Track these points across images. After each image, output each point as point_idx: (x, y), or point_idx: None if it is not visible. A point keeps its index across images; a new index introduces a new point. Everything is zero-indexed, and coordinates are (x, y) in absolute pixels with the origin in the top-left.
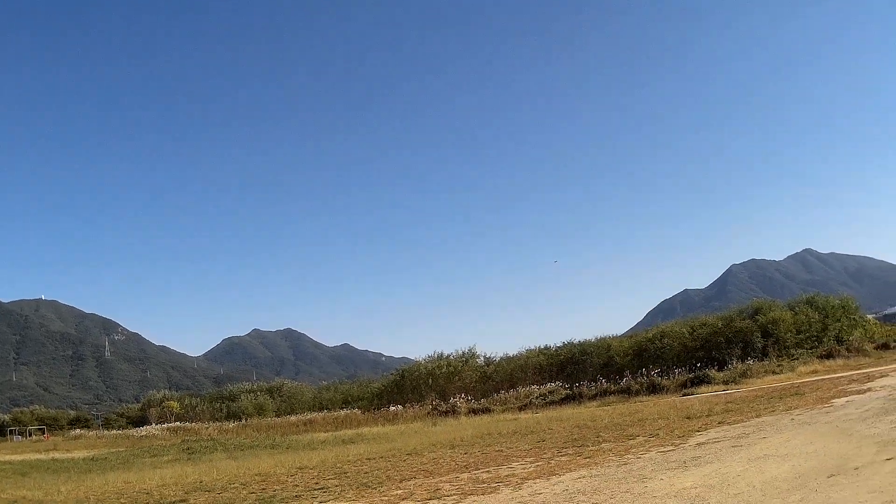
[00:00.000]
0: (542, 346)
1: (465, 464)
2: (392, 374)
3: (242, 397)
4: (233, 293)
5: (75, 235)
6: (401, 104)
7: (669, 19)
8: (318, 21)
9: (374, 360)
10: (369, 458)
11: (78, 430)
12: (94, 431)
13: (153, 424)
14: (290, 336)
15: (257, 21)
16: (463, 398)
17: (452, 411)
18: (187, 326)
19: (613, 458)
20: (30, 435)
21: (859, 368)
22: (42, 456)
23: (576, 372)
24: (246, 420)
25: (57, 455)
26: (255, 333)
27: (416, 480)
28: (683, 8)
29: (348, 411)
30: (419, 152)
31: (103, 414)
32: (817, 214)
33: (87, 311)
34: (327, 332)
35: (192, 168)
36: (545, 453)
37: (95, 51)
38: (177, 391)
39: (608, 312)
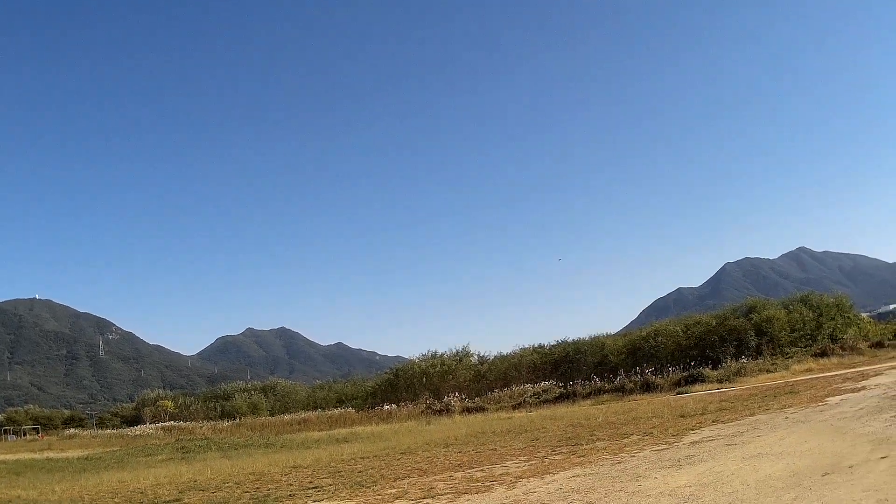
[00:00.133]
0: (536, 345)
1: (459, 462)
2: (386, 372)
3: (237, 396)
4: (227, 292)
5: (70, 235)
6: (395, 103)
7: (663, 20)
8: (316, 21)
9: (367, 359)
10: (363, 457)
11: (72, 430)
12: (89, 431)
13: (147, 424)
14: (284, 335)
15: (255, 21)
16: (457, 397)
17: (446, 410)
18: (181, 325)
19: (607, 456)
20: (24, 434)
21: (853, 367)
22: (36, 455)
23: (570, 370)
24: (240, 419)
25: (51, 454)
26: (249, 332)
27: (410, 479)
28: (678, 8)
29: (342, 410)
30: (414, 152)
31: (97, 413)
32: (811, 213)
33: (81, 310)
34: (321, 330)
35: (186, 168)
36: (539, 452)
37: (88, 49)
38: (171, 390)
39: (602, 311)
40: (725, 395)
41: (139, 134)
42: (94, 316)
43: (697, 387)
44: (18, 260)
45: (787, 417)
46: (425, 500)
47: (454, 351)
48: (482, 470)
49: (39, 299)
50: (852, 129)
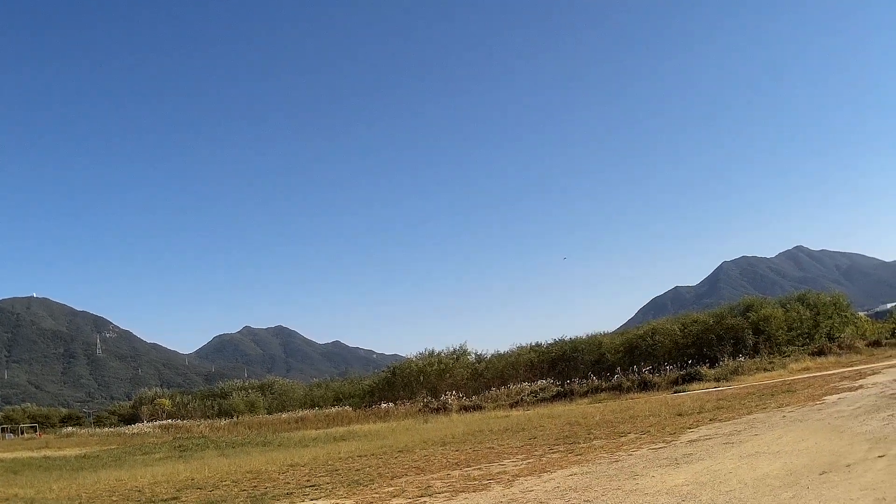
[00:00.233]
0: (534, 344)
1: (456, 461)
2: (383, 371)
3: (234, 395)
4: (224, 291)
5: (67, 233)
6: (392, 102)
7: (661, 18)
8: (314, 20)
9: (365, 358)
10: (360, 456)
11: (69, 428)
12: (86, 429)
13: (145, 422)
14: (282, 333)
15: (252, 20)
16: (454, 395)
17: (444, 408)
18: (179, 324)
19: (605, 455)
20: (22, 433)
21: (851, 366)
22: (34, 454)
23: (567, 369)
24: (237, 417)
25: (49, 453)
26: (247, 331)
27: (408, 478)
28: (676, 6)
29: (339, 409)
30: (411, 151)
31: (95, 412)
32: (809, 212)
33: (78, 308)
34: (318, 329)
35: (184, 167)
36: (536, 450)
37: (85, 48)
38: (168, 389)
39: (599, 309)
40: (723, 394)
41: (137, 133)
42: (92, 314)
43: (695, 385)
44: (16, 258)
45: (784, 416)
46: (422, 499)
47: (451, 349)
48: (479, 468)
49: (36, 297)
50: (850, 128)
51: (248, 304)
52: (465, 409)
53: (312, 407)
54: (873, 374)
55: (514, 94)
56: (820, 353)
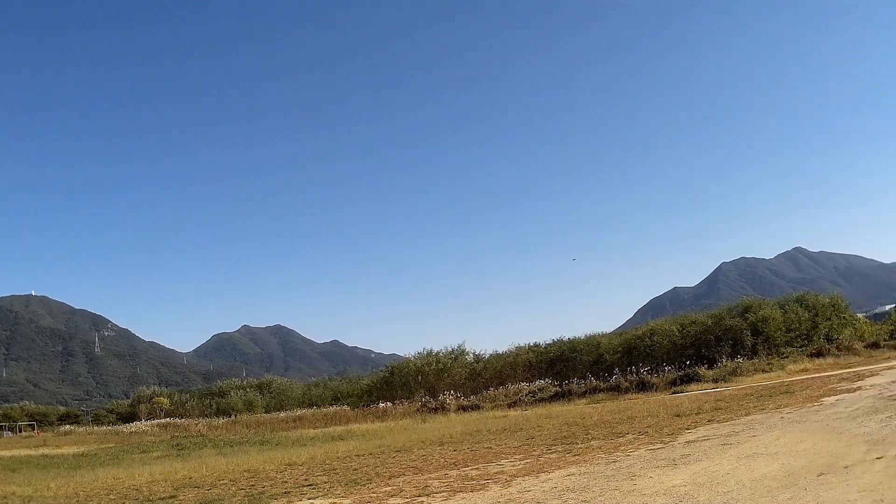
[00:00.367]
0: (532, 344)
1: (454, 461)
2: (381, 370)
3: (232, 393)
4: (222, 289)
5: (66, 231)
6: (391, 102)
7: (661, 18)
8: (311, 19)
9: (363, 357)
10: (358, 455)
11: (67, 426)
12: (84, 427)
13: (143, 420)
14: (280, 332)
15: (250, 19)
16: (452, 395)
17: (442, 408)
18: (177, 322)
19: (602, 455)
20: (20, 431)
21: (849, 367)
22: (32, 452)
23: (565, 369)
24: (235, 416)
25: (46, 451)
26: (245, 330)
27: (405, 477)
28: (675, 6)
29: (337, 408)
30: (410, 150)
31: (93, 410)
32: (808, 213)
33: (77, 306)
34: (317, 328)
35: (183, 166)
36: (534, 451)
37: (82, 47)
38: (166, 387)
39: (598, 310)
40: (721, 395)
41: (136, 132)
42: (90, 312)
43: (693, 386)
44: (15, 256)
45: (782, 417)
46: (420, 499)
47: (450, 349)
48: (477, 468)
49: (35, 296)
50: (849, 129)
51: (246, 303)
52: (463, 408)
53: (310, 406)
54: (871, 375)
55: (512, 94)
56: (818, 354)
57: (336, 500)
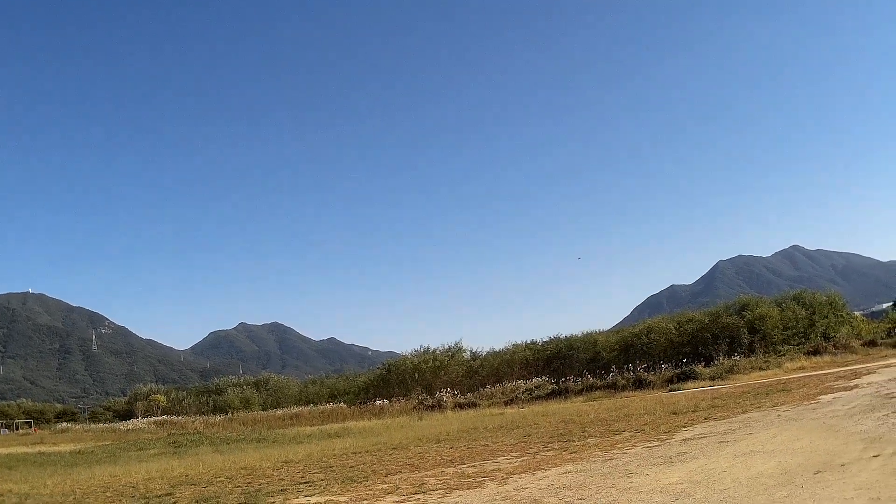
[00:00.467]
0: (529, 341)
1: (450, 458)
2: (378, 368)
3: (229, 391)
4: (219, 287)
5: (63, 229)
6: (388, 100)
7: (659, 18)
8: (309, 18)
9: (360, 354)
10: (355, 453)
11: (64, 424)
12: (81, 425)
13: (139, 418)
14: (277, 330)
15: (245, 16)
16: (449, 392)
17: (438, 406)
18: (174, 320)
19: (599, 453)
20: (17, 428)
21: (846, 365)
22: (28, 449)
23: (562, 367)
24: (232, 414)
25: (43, 448)
26: (242, 327)
27: (402, 475)
28: (673, 6)
29: (334, 405)
30: (407, 149)
31: (90, 407)
32: (805, 211)
33: (74, 304)
34: (314, 326)
35: (180, 163)
36: (531, 448)
37: (79, 44)
38: (163, 385)
39: (595, 307)
40: (718, 393)
41: (134, 130)
42: (87, 310)
43: (690, 384)
44: (11, 254)
45: (779, 415)
46: (416, 496)
47: (446, 346)
48: (474, 466)
49: (32, 293)
50: (847, 128)
51: (243, 301)
52: (460, 406)
53: (307, 403)
54: (868, 373)
55: (509, 94)
56: (815, 352)
57: (333, 498)
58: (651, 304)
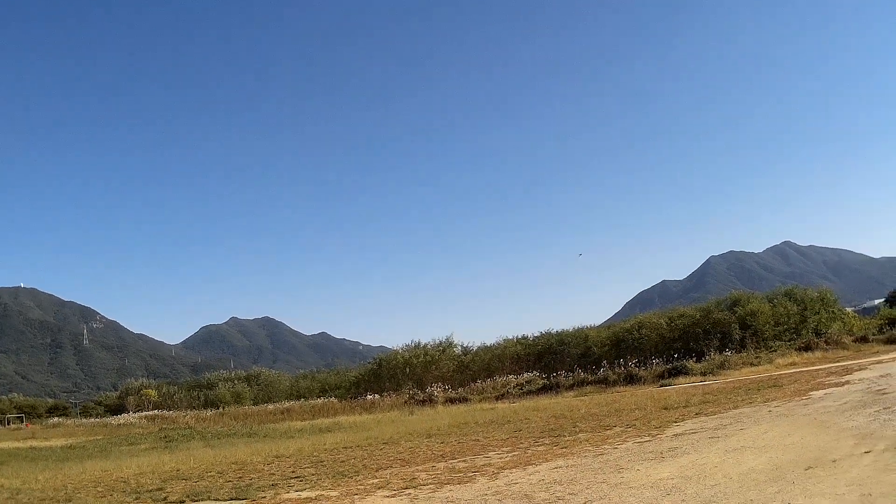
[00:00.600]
0: (520, 336)
1: (441, 453)
2: (369, 362)
3: (220, 386)
4: (211, 282)
5: (55, 223)
6: (379, 96)
7: (652, 14)
8: (305, 14)
9: (351, 349)
10: (346, 447)
11: (56, 419)
12: (72, 419)
13: (131, 413)
14: (268, 324)
15: (241, 14)
16: (440, 387)
17: (429, 400)
18: (166, 314)
19: (590, 448)
20: (8, 423)
21: (838, 361)
22: (20, 444)
23: (553, 362)
24: (223, 408)
25: (35, 443)
26: (233, 322)
27: (393, 469)
28: (665, 2)
29: (325, 400)
30: (397, 144)
31: (81, 402)
32: (797, 207)
33: (65, 298)
34: (305, 320)
35: (171, 158)
36: (522, 443)
37: (71, 40)
38: (155, 379)
39: (586, 303)
40: (709, 388)
41: (124, 125)
42: (79, 304)
43: (681, 379)
44: (3, 248)
45: (770, 411)
46: (407, 491)
47: (438, 341)
48: (465, 460)
49: (24, 287)
50: (839, 124)
51: (234, 295)
52: (451, 401)
53: (298, 398)
54: (860, 369)
55: (501, 89)
56: (807, 348)
57: (323, 493)
58: (642, 300)
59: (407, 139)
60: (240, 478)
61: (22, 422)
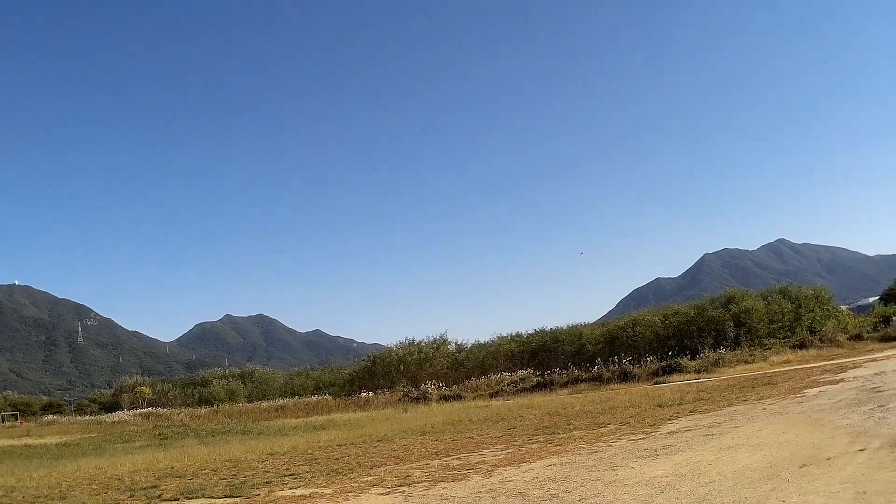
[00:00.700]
0: (514, 334)
1: (435, 450)
2: (363, 360)
3: (214, 383)
4: (205, 279)
5: (49, 221)
6: (373, 94)
7: (646, 10)
8: (302, 11)
9: (345, 347)
10: (340, 445)
11: (51, 416)
12: (67, 417)
13: (125, 410)
14: (262, 322)
15: (240, 12)
16: (434, 385)
17: (423, 398)
18: (160, 312)
19: (584, 445)
20: (3, 421)
21: (832, 359)
22: (15, 442)
23: (547, 359)
24: (217, 406)
25: (29, 441)
26: (227, 319)
27: (387, 467)
28: (658, 2)
29: (319, 397)
30: (392, 142)
31: (76, 400)
32: (791, 205)
33: (60, 296)
34: (299, 318)
35: (165, 157)
36: (516, 440)
37: (66, 38)
38: (149, 377)
39: (580, 300)
40: (703, 386)
41: (117, 122)
42: (73, 302)
43: (675, 377)
44: None
45: (764, 409)
46: (401, 488)
47: (432, 339)
48: (459, 458)
49: (18, 285)
50: (834, 122)
51: (229, 293)
52: (445, 398)
53: (292, 396)
54: (854, 367)
55: (495, 87)
56: (801, 346)
57: (318, 490)
58: (637, 297)
59: (401, 138)
60: (234, 475)
61: (17, 419)
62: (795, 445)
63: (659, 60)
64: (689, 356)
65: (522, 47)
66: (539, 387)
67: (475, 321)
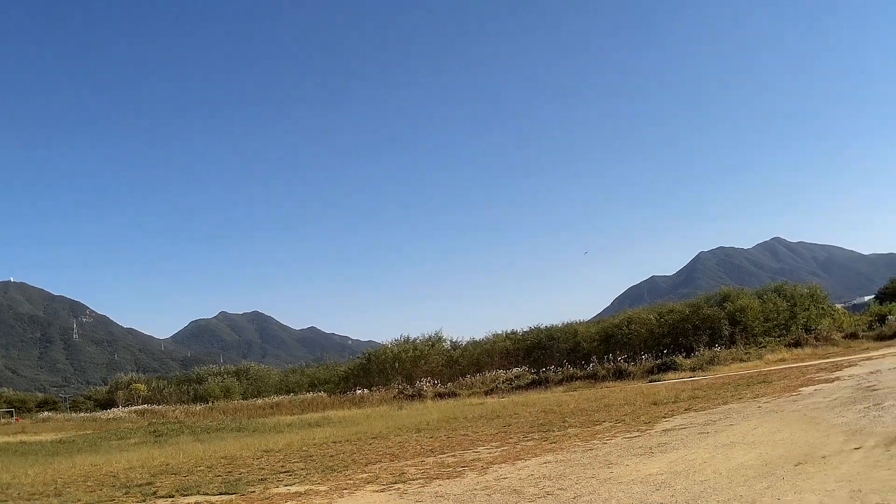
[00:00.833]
0: (509, 331)
1: (430, 448)
2: (358, 357)
3: (209, 380)
4: (200, 276)
5: (44, 218)
6: (368, 91)
7: (644, 7)
8: (301, 9)
9: (340, 344)
10: (335, 442)
11: (46, 413)
12: (62, 414)
13: (120, 407)
14: (257, 319)
15: (239, 11)
16: (429, 382)
17: (419, 395)
18: (155, 309)
19: (579, 443)
20: None
21: (827, 357)
22: (10, 439)
23: (542, 357)
24: (213, 403)
25: (24, 438)
26: (223, 316)
27: (382, 464)
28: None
29: (314, 395)
30: (387, 139)
31: (71, 396)
32: (787, 203)
33: (55, 293)
34: (294, 315)
35: (160, 153)
36: (511, 438)
37: (62, 36)
38: (144, 374)
39: (575, 298)
40: (698, 384)
41: (113, 118)
42: (68, 299)
43: (670, 375)
44: None
45: (760, 407)
46: (396, 485)
47: (427, 336)
48: (454, 455)
49: (14, 282)
50: (829, 121)
51: (224, 290)
52: (440, 395)
53: (287, 393)
54: (850, 366)
55: (491, 85)
56: (796, 344)
57: (313, 487)
58: (632, 295)
59: (396, 135)
60: (229, 472)
61: (12, 416)
62: (790, 443)
63: (654, 59)
64: (684, 354)
65: (518, 43)
66: (534, 384)
67: (470, 318)
